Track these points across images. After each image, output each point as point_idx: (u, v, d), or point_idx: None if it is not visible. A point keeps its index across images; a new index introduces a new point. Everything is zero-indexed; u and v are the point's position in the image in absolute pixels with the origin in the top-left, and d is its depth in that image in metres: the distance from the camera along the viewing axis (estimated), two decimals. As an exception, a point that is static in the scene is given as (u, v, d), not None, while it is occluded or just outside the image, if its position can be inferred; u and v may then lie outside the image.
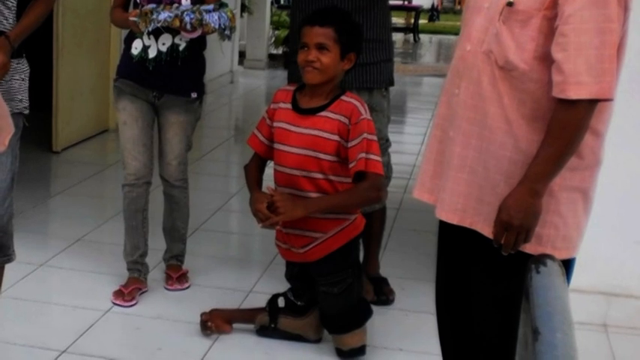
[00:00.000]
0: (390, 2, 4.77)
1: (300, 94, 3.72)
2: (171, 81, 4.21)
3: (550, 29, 2.49)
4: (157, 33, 4.10)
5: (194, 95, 4.29)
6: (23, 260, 3.95)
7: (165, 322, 4.11)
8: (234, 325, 3.99)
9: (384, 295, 4.43)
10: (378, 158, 3.59)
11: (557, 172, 2.51)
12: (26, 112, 3.40)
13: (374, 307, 3.96)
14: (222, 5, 4.19)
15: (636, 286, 4.22)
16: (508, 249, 2.55)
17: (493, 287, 2.70)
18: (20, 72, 3.38)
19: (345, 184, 3.63)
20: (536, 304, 1.72)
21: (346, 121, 3.58)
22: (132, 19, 4.06)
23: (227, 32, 4.21)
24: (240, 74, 12.21)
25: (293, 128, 3.67)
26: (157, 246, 4.57)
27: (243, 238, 5.74)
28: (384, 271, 4.60)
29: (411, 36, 20.20)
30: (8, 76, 3.28)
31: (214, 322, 3.94)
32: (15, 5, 3.35)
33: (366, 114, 3.61)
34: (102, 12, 7.11)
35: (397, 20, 20.57)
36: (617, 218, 4.10)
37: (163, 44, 4.13)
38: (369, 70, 4.23)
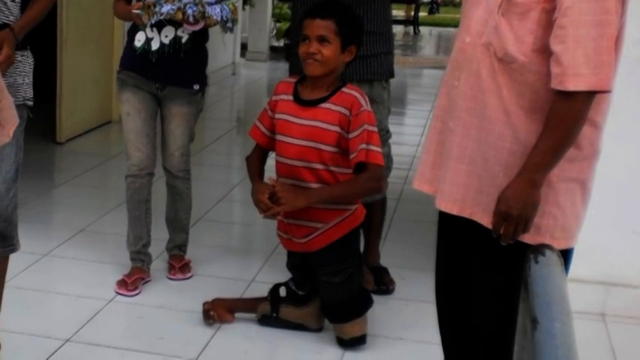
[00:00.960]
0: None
1: (301, 86, 3.75)
2: (173, 73, 4.23)
3: (548, 22, 2.50)
4: (159, 25, 4.12)
5: (196, 87, 4.31)
6: (27, 250, 3.97)
7: (168, 311, 4.14)
8: (236, 315, 4.02)
9: (384, 284, 4.46)
10: (379, 149, 3.61)
11: (555, 163, 2.53)
12: (30, 103, 3.41)
13: (374, 297, 3.98)
14: (224, -2, 4.21)
15: (634, 275, 4.24)
16: (507, 239, 2.57)
17: (492, 277, 2.71)
18: (24, 64, 3.39)
19: (346, 175, 3.65)
20: (535, 293, 1.72)
21: (347, 112, 3.61)
22: (135, 11, 4.08)
23: (229, 25, 4.23)
24: (242, 66, 12.20)
25: (294, 119, 3.70)
26: (159, 236, 4.59)
27: (245, 229, 5.77)
28: (384, 260, 4.63)
29: (411, 28, 20.14)
30: (12, 68, 3.30)
31: (216, 312, 3.97)
32: (19, -2, 3.37)
33: (366, 105, 3.64)
34: (105, 4, 7.08)
35: (397, 13, 20.48)
36: (615, 208, 4.11)
37: (166, 37, 4.15)
38: (370, 62, 4.25)
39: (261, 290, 4.14)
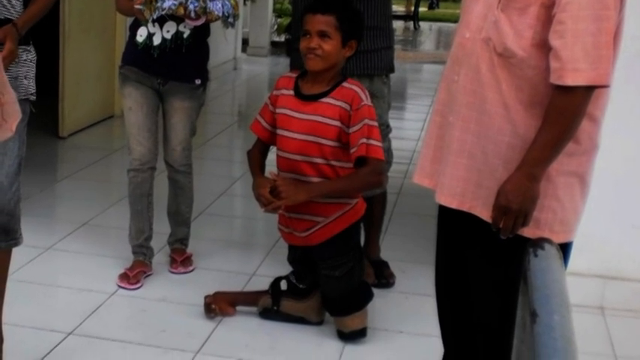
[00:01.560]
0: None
1: (302, 81, 3.76)
2: (175, 68, 4.25)
3: (548, 17, 2.52)
4: (161, 21, 4.13)
5: (198, 82, 4.33)
6: (30, 244, 3.97)
7: (170, 304, 4.16)
8: (238, 308, 4.04)
9: (384, 278, 4.48)
10: (379, 144, 3.63)
11: (554, 158, 2.55)
12: (33, 98, 3.42)
13: (375, 290, 4.01)
14: (226, -7, 4.22)
15: (632, 268, 4.25)
16: (506, 233, 2.58)
17: (492, 270, 2.73)
18: (27, 59, 3.40)
19: (347, 169, 3.67)
20: (534, 287, 1.73)
21: (347, 107, 3.62)
22: (137, 6, 4.09)
23: (230, 20, 4.24)
24: (244, 61, 12.20)
25: (295, 114, 3.71)
26: (161, 230, 4.61)
27: (246, 222, 5.78)
28: (384, 254, 4.64)
29: (411, 23, 20.10)
30: (15, 63, 3.31)
31: (218, 305, 3.99)
32: (22, -7, 3.39)
33: (366, 100, 3.66)
34: (107, -1, 7.14)
35: (397, 8, 20.47)
36: (613, 202, 4.13)
37: (168, 32, 4.17)
38: (370, 57, 4.27)
39: (262, 284, 4.16)
